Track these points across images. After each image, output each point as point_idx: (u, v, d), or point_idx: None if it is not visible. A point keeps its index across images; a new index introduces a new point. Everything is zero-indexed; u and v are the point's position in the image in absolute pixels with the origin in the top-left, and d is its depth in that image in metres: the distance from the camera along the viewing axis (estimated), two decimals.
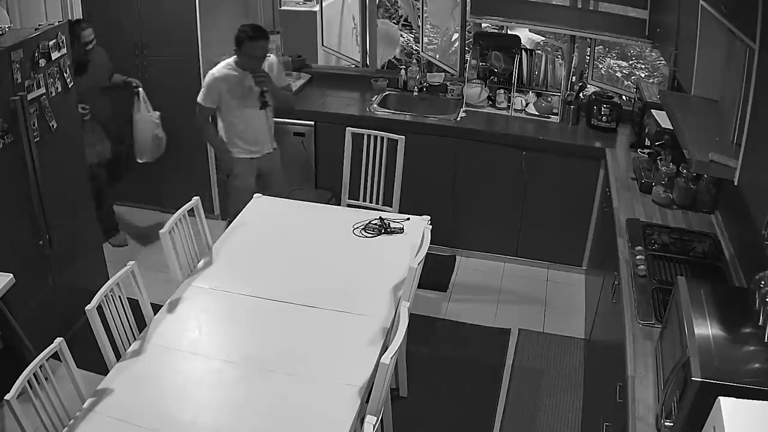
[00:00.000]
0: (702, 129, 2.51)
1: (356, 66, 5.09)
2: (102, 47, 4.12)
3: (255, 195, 3.50)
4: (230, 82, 3.61)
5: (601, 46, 5.33)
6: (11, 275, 2.73)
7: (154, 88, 4.26)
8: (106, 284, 2.40)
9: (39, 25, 3.23)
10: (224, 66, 3.64)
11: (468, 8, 4.43)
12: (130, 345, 2.46)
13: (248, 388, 2.28)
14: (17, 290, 2.78)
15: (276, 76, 3.75)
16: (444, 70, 4.78)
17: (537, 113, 4.32)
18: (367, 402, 2.24)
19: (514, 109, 4.33)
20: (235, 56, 3.61)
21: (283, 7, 5.03)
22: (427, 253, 2.82)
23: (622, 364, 2.25)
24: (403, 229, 3.23)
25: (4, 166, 2.95)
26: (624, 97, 4.39)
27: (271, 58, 3.77)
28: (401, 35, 6.61)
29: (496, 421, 3.20)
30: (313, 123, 4.34)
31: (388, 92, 4.66)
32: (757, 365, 1.76)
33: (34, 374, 2.03)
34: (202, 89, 3.66)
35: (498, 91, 4.39)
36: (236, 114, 3.69)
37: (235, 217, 3.33)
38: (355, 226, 3.24)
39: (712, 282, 2.46)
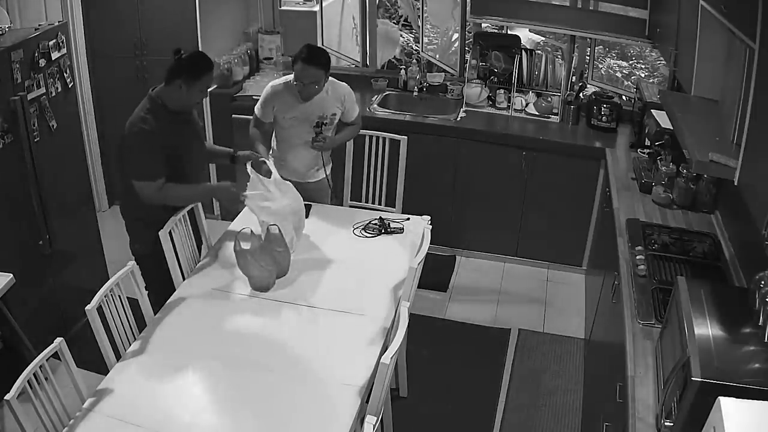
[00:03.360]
0: (702, 129, 2.51)
1: (356, 66, 5.08)
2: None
3: None
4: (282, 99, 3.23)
5: (601, 46, 5.33)
6: (11, 275, 2.73)
7: None
8: (106, 284, 2.40)
9: (39, 25, 3.23)
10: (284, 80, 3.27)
11: (468, 8, 4.43)
12: (130, 345, 2.45)
13: (248, 388, 2.27)
14: (17, 290, 2.78)
15: (348, 109, 3.37)
16: (444, 70, 4.78)
17: (537, 113, 4.32)
18: (367, 402, 2.25)
19: (514, 109, 4.33)
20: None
21: (283, 7, 5.02)
22: (427, 253, 2.82)
23: (622, 364, 2.25)
24: (403, 229, 3.23)
25: (4, 166, 2.95)
26: (624, 97, 4.39)
27: (346, 90, 3.34)
28: (401, 35, 6.60)
29: (496, 421, 3.20)
30: None
31: (388, 92, 4.66)
32: (757, 365, 1.76)
33: (34, 374, 2.03)
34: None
35: (498, 91, 4.39)
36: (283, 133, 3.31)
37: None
38: (355, 226, 3.24)
39: (712, 282, 2.45)
